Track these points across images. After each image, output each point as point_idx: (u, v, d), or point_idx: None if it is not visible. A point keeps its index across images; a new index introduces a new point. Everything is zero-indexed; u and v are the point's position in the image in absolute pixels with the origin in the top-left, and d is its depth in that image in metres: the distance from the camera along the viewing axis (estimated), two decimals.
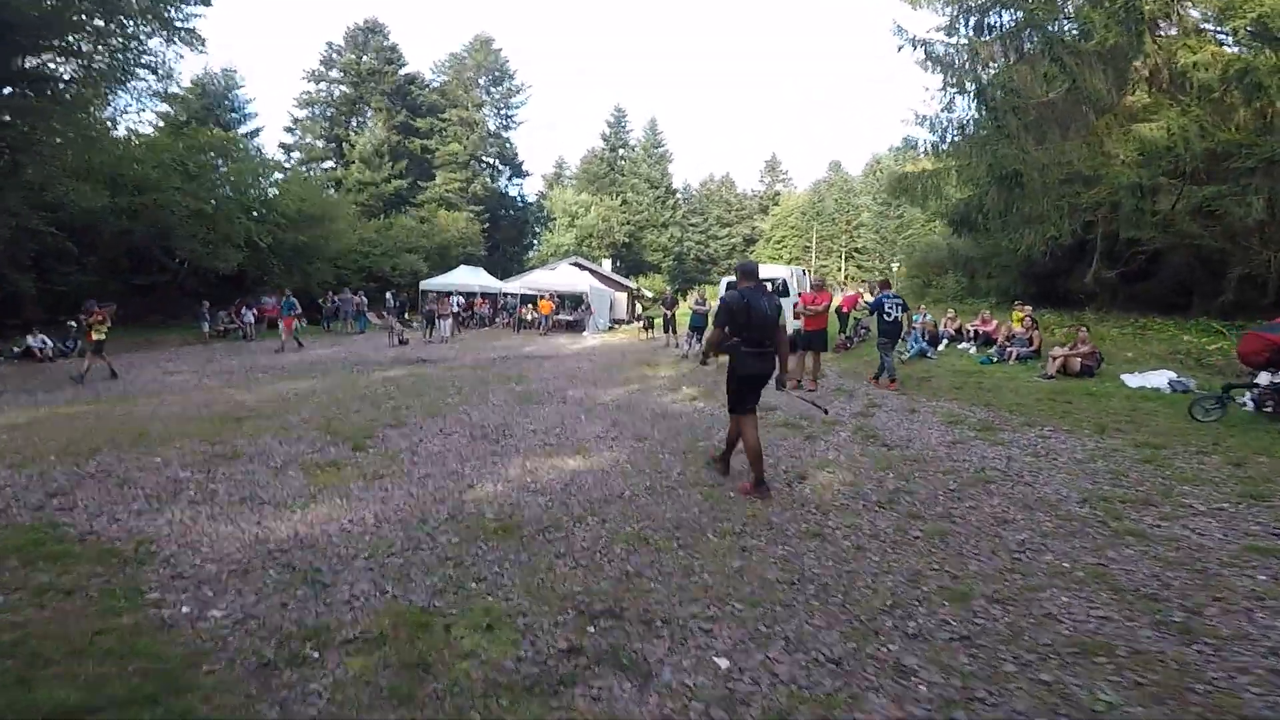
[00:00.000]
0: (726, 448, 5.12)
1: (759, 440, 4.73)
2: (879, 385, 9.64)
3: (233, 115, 35.06)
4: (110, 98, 23.37)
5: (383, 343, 18.31)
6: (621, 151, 56.16)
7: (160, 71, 25.52)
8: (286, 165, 36.55)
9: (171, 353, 15.95)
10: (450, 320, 19.37)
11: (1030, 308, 11.89)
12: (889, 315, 9.61)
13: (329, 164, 43.04)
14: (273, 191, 27.26)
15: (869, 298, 13.93)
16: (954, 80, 17.86)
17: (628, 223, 49.03)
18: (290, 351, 15.38)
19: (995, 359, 11.03)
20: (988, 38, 17.31)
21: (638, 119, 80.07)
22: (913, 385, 9.74)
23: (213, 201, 19.87)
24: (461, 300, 22.89)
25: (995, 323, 12.40)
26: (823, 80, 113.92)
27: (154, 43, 25.39)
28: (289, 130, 42.56)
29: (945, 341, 13.04)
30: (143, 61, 24.46)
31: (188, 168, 20.56)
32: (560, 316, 23.56)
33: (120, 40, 21.91)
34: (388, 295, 24.67)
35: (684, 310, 20.43)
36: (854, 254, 65.87)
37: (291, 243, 25.07)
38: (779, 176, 79.36)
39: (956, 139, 17.70)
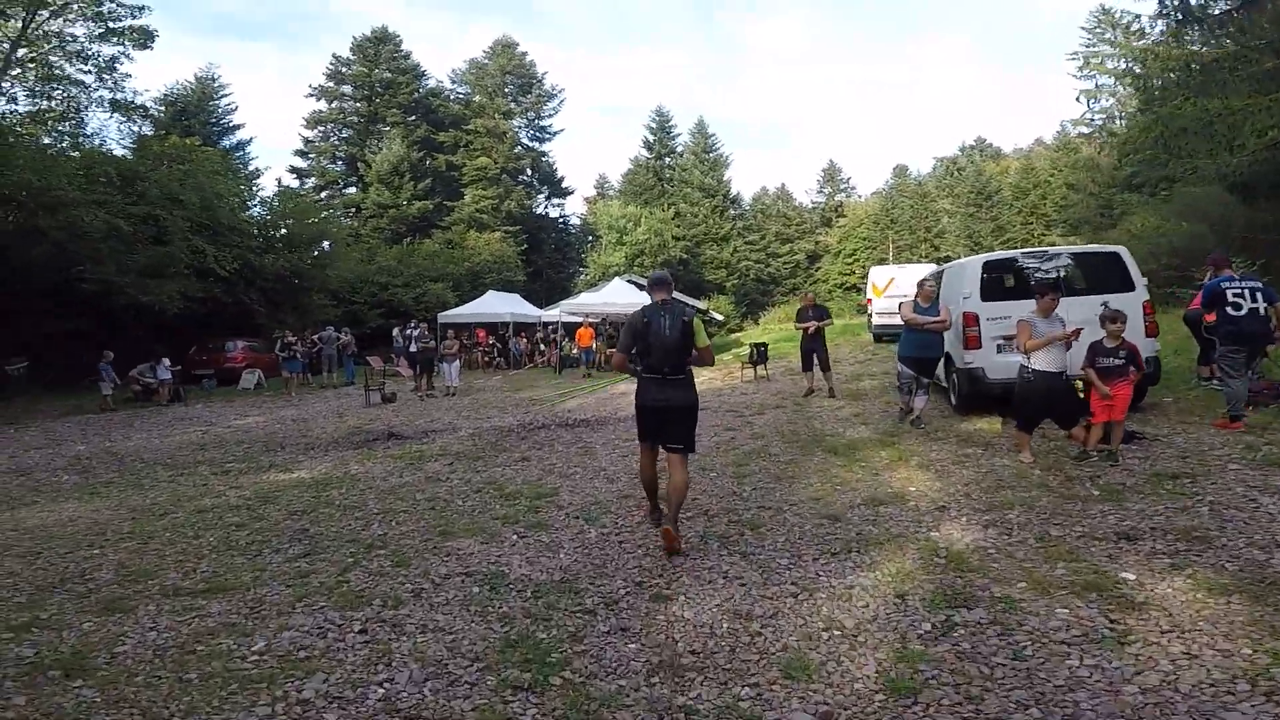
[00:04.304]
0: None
1: (652, 471, 4.18)
2: (1220, 425, 5.69)
3: (210, 126, 30.60)
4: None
5: (373, 398, 12.33)
6: (669, 159, 50.07)
7: (104, 76, 21.31)
8: (297, 189, 31.85)
9: (31, 430, 10.38)
10: (459, 363, 13.32)
11: None
12: (1238, 308, 5.72)
13: (350, 190, 38.65)
14: (256, 211, 22.35)
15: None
16: None
17: (683, 237, 42.77)
18: None
19: None
20: None
21: (683, 122, 74.80)
22: None
23: (131, 217, 14.59)
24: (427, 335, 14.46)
25: None
26: (881, 81, 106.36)
27: (101, 48, 21.28)
28: (300, 154, 38.36)
29: None
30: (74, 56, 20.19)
31: (111, 177, 15.50)
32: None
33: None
34: (394, 332, 18.80)
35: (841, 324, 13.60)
36: (938, 265, 57.98)
37: (273, 270, 19.85)
38: (839, 186, 72.46)
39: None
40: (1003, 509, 4.29)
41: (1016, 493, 4.61)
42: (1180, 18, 15.14)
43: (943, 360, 7.40)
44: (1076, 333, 5.26)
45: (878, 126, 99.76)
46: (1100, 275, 6.79)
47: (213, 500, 5.43)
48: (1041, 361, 5.19)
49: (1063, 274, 7.07)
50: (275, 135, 76.77)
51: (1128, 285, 6.60)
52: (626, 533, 4.24)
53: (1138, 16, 19.52)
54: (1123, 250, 7.01)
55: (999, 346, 6.85)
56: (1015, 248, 55.62)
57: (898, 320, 18.07)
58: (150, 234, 15.16)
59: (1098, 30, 43.23)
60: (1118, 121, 43.17)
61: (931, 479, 5.11)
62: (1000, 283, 7.16)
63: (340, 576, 3.65)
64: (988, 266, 7.12)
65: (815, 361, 9.39)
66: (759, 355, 11.94)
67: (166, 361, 12.86)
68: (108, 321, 16.58)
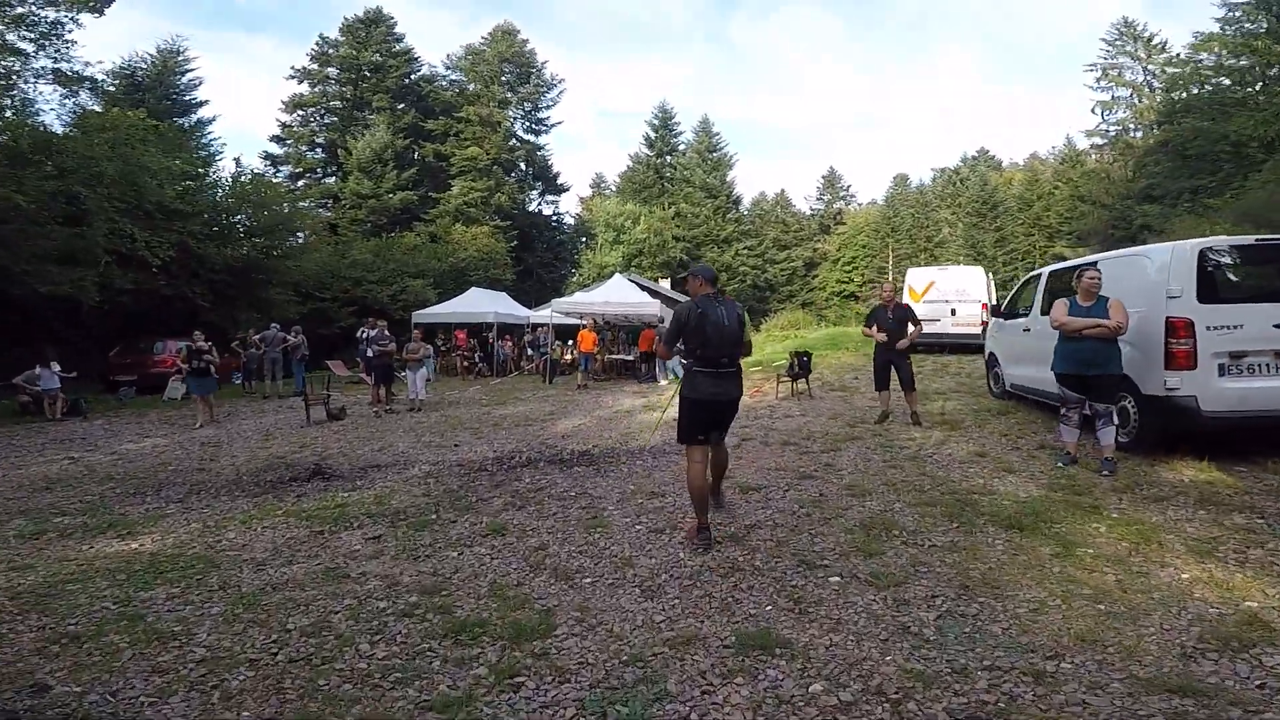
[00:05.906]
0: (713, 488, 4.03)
1: (706, 479, 3.73)
2: None
3: (167, 103, 27.85)
4: None
5: (315, 414, 9.86)
6: (670, 158, 47.87)
7: (44, 43, 18.66)
8: (260, 173, 29.18)
9: None
10: (423, 371, 10.87)
11: None
12: None
13: (329, 180, 36.03)
14: (219, 193, 19.72)
15: None
16: None
17: (683, 238, 40.46)
18: None
19: None
20: None
21: (687, 120, 73.05)
22: None
23: (44, 194, 12.02)
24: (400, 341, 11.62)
25: None
26: (878, 92, 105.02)
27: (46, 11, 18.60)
28: (276, 140, 35.66)
29: None
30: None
31: (23, 149, 12.92)
32: (619, 356, 14.88)
33: None
34: (358, 333, 16.03)
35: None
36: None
37: (222, 261, 17.31)
38: (839, 193, 70.91)
39: None
40: None
41: None
42: None
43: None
44: None
45: (879, 135, 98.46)
46: None
47: None
48: None
49: None
50: (261, 124, 73.78)
51: None
52: None
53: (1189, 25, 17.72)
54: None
55: (1222, 367, 4.65)
56: (1019, 259, 53.46)
57: (938, 329, 15.81)
58: (62, 213, 12.57)
59: (1119, 43, 41.96)
60: (1132, 133, 42.07)
61: (1254, 580, 2.89)
62: (1226, 278, 4.91)
63: None
64: (1207, 255, 4.85)
65: (893, 378, 7.09)
66: (801, 367, 9.57)
67: (56, 366, 10.17)
68: (34, 318, 13.95)
